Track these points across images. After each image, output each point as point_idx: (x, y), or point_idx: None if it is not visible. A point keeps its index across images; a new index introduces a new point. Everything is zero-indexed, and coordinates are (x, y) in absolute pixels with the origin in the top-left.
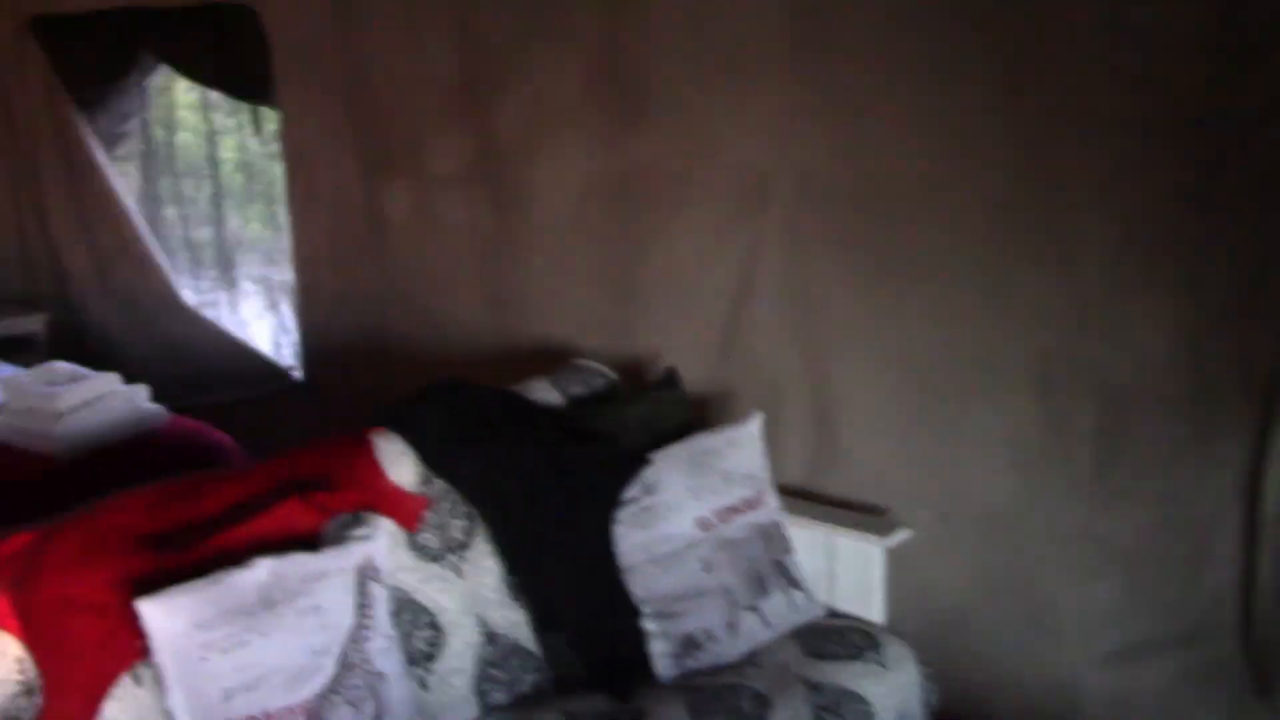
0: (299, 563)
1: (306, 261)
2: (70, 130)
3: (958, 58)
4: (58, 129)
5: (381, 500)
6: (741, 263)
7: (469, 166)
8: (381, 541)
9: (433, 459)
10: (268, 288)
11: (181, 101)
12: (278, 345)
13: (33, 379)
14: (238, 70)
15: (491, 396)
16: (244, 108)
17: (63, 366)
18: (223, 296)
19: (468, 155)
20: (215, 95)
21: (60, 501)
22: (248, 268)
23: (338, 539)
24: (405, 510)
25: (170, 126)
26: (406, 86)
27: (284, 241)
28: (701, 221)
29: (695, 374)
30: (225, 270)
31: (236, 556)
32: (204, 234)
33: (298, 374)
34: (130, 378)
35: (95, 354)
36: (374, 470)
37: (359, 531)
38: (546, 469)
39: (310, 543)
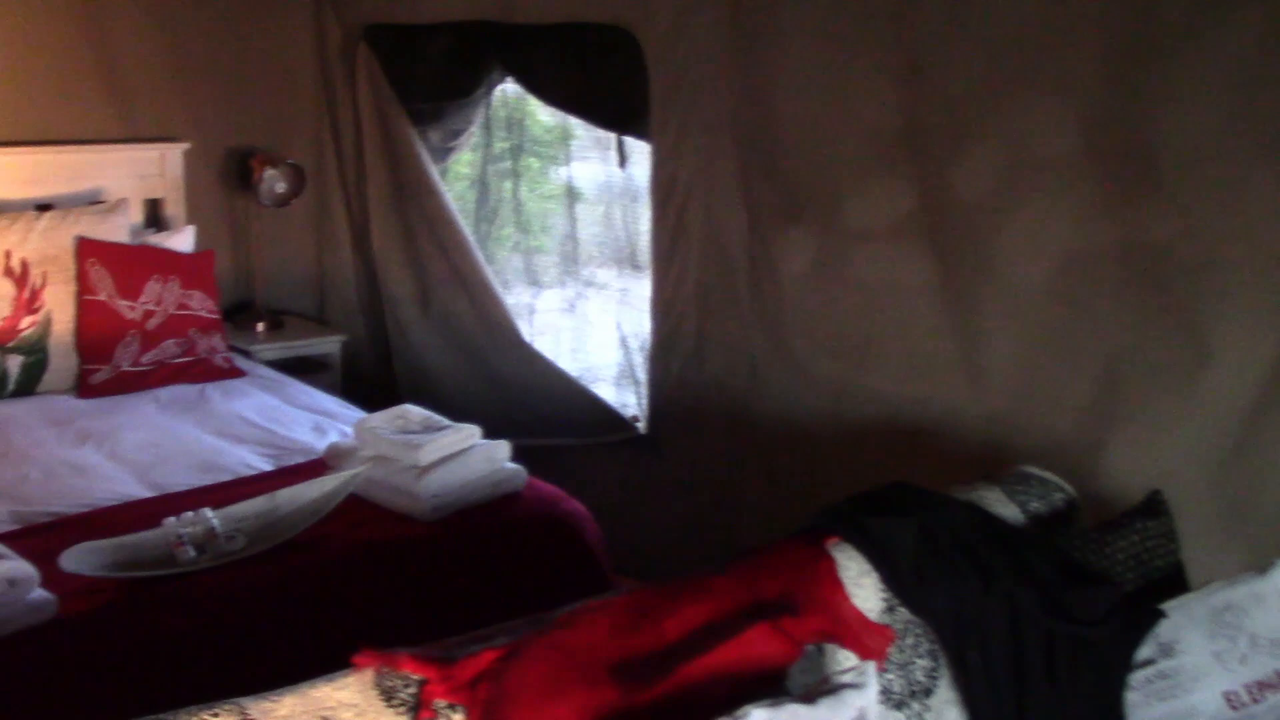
0: (794, 716)
1: (667, 308)
2: (402, 145)
3: None
4: (388, 143)
5: (844, 629)
6: (1275, 365)
7: (903, 221)
8: (872, 691)
9: (900, 584)
10: (619, 333)
11: (534, 126)
12: (621, 400)
13: (386, 423)
14: (605, 95)
15: (961, 510)
16: (607, 137)
17: (415, 412)
18: (566, 338)
19: (902, 210)
20: (574, 121)
21: (432, 571)
22: (597, 312)
23: (828, 688)
24: (870, 643)
25: (517, 150)
26: (823, 128)
27: (639, 285)
28: (1228, 314)
29: (1181, 498)
30: (570, 309)
31: (701, 689)
32: (544, 263)
33: (641, 426)
34: (449, 412)
35: (400, 382)
36: (836, 591)
37: (846, 676)
38: (1038, 611)
39: (774, 676)
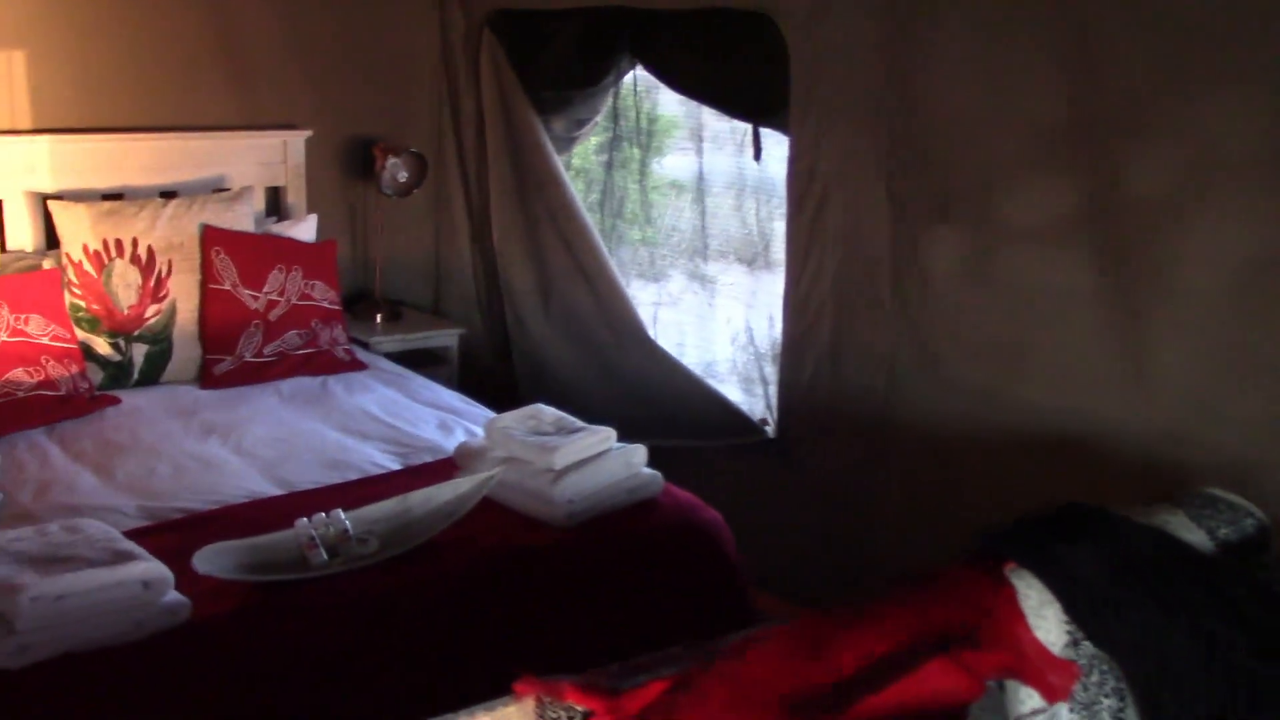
0: None
1: (801, 307)
2: (526, 134)
3: None
4: (510, 132)
5: (1027, 665)
6: None
7: (1064, 221)
8: None
9: (1086, 615)
10: (746, 332)
11: (662, 116)
12: (746, 402)
13: (518, 423)
14: (742, 84)
15: (1148, 535)
16: (741, 129)
17: (547, 412)
18: (689, 335)
19: (1064, 208)
20: (707, 111)
21: (568, 580)
22: (722, 308)
23: None
24: (1055, 680)
25: (644, 140)
26: (979, 119)
27: (769, 282)
28: None
29: None
30: (693, 306)
31: None
32: (668, 258)
33: (770, 430)
34: (568, 409)
35: (519, 376)
36: (1017, 623)
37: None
38: (1241, 651)
39: (955, 714)
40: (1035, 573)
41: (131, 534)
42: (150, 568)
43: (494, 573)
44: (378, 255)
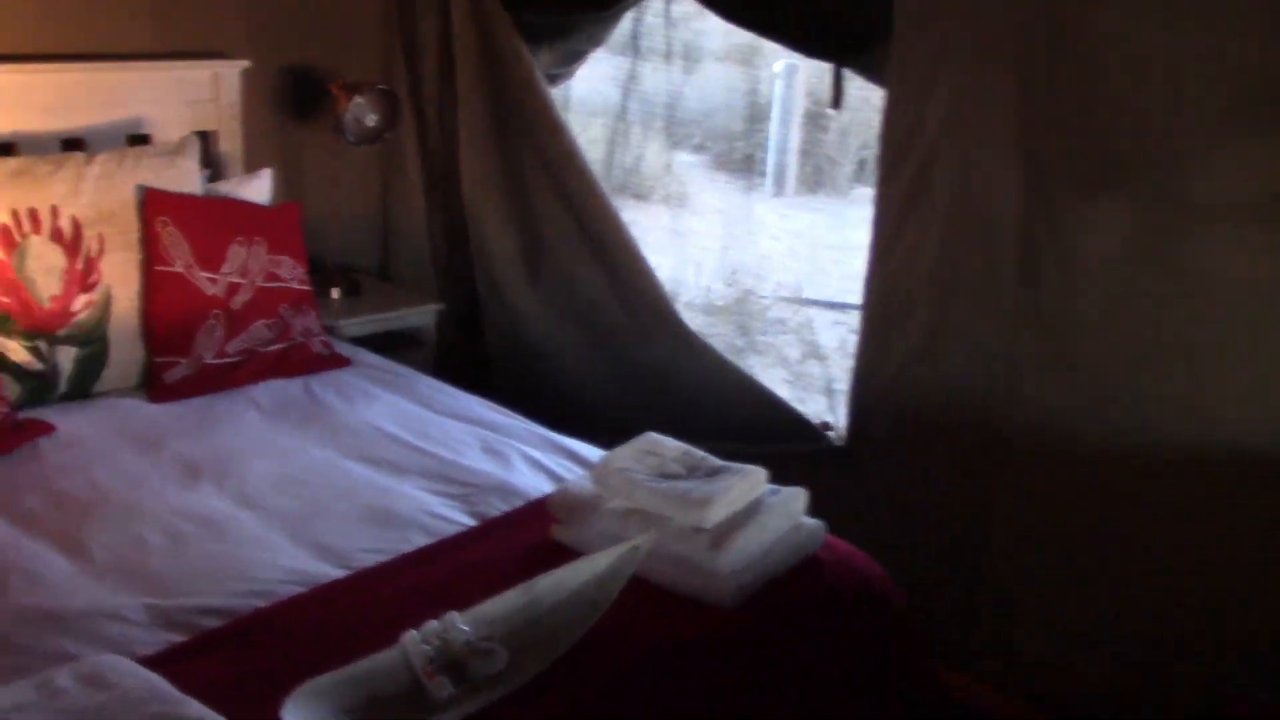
0: None
1: (888, 291)
2: (511, 67)
3: None
4: (488, 63)
5: None
6: None
7: (1273, 199)
8: None
9: None
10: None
11: (706, 48)
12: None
13: (635, 461)
14: (820, 11)
15: None
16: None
17: (668, 445)
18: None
19: (1274, 184)
20: (769, 46)
21: (747, 678)
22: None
23: None
24: None
25: (674, 79)
26: (1168, 68)
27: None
28: None
29: None
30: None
31: None
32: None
33: (836, 436)
34: (563, 401)
35: (495, 361)
36: None
37: None
38: None
39: None
40: None
41: (155, 660)
42: None
43: (656, 678)
44: (328, 215)
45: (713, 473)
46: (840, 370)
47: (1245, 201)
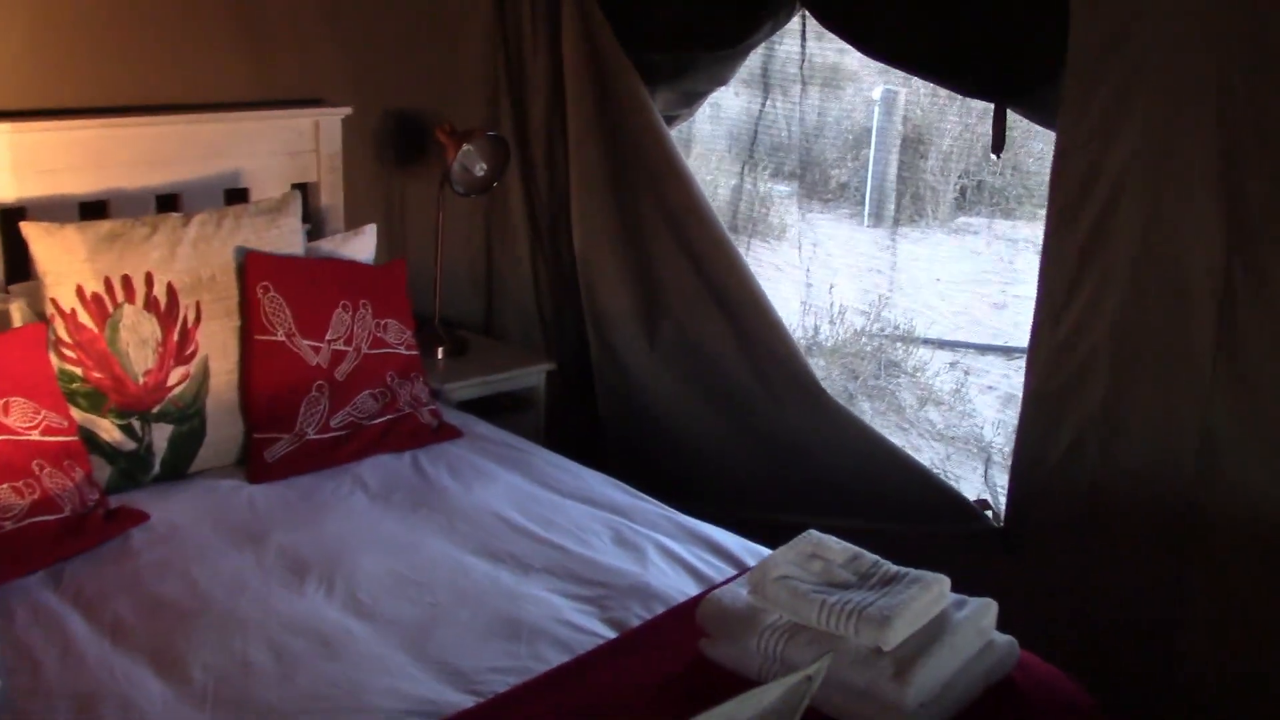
0: None
1: (1060, 355)
2: (631, 112)
3: None
4: (604, 107)
5: None
6: None
7: None
8: None
9: None
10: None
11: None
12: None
13: (797, 566)
14: (979, 46)
15: None
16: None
17: (832, 545)
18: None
19: None
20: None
21: None
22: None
23: None
24: None
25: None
26: None
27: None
28: None
29: None
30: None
31: None
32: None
33: (993, 515)
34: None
35: (608, 428)
36: None
37: None
38: None
39: None
40: None
41: None
42: None
43: None
44: (429, 268)
45: (887, 581)
46: (956, 416)
47: None
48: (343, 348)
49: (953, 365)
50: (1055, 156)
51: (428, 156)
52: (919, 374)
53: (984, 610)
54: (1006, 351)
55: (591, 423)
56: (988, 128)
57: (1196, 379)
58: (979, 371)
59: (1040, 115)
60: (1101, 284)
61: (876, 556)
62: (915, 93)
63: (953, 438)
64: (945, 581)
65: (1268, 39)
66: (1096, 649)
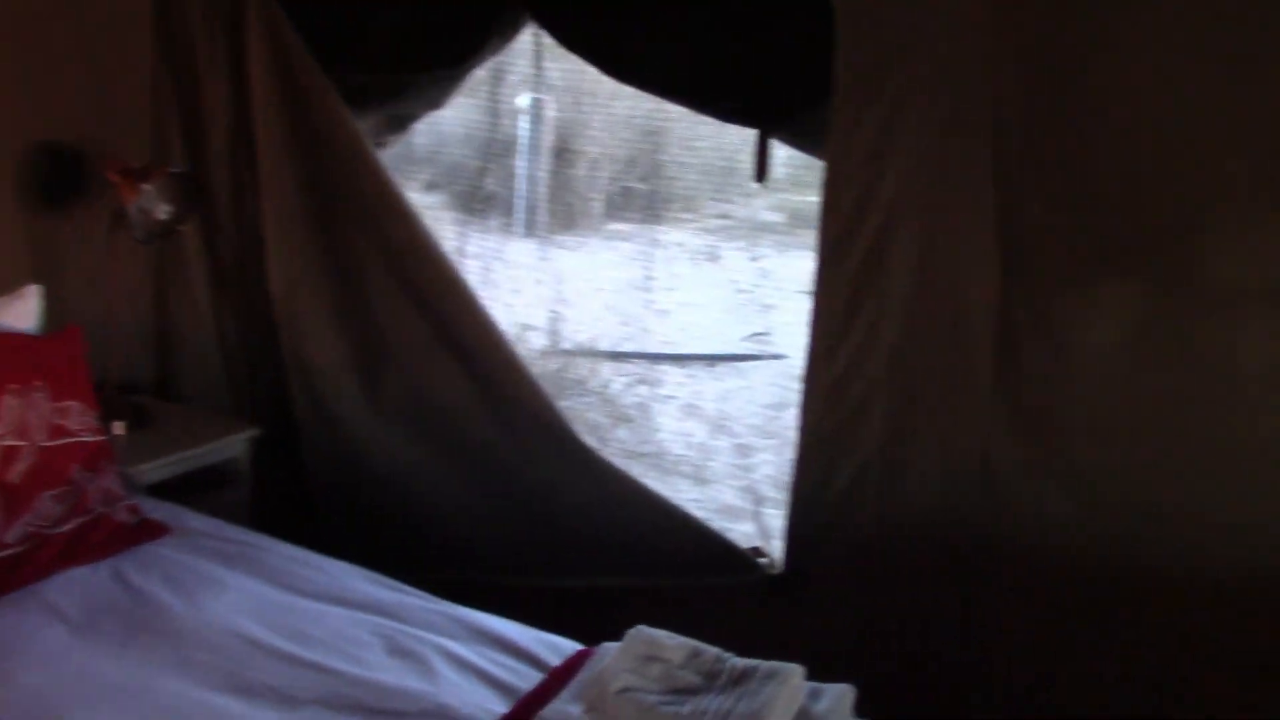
0: None
1: (837, 390)
2: (335, 138)
3: None
4: (300, 136)
5: None
6: None
7: None
8: None
9: None
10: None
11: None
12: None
13: (634, 673)
14: (738, 70)
15: None
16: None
17: (667, 642)
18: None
19: None
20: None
21: None
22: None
23: None
24: None
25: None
26: (1194, 127)
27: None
28: None
29: None
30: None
31: None
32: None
33: (770, 563)
34: (420, 548)
35: (317, 495)
36: None
37: None
38: None
39: None
40: None
41: None
42: None
43: None
44: (90, 324)
45: (736, 679)
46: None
47: (1261, 285)
48: (15, 443)
49: (639, 381)
50: (824, 185)
51: (86, 197)
52: (604, 391)
53: (841, 697)
54: (678, 359)
55: (302, 494)
56: (633, 135)
57: (977, 409)
58: (654, 381)
59: (805, 142)
60: (879, 315)
61: (717, 650)
62: (562, 100)
63: (643, 454)
64: (799, 671)
65: (1042, 61)
66: (887, 687)
